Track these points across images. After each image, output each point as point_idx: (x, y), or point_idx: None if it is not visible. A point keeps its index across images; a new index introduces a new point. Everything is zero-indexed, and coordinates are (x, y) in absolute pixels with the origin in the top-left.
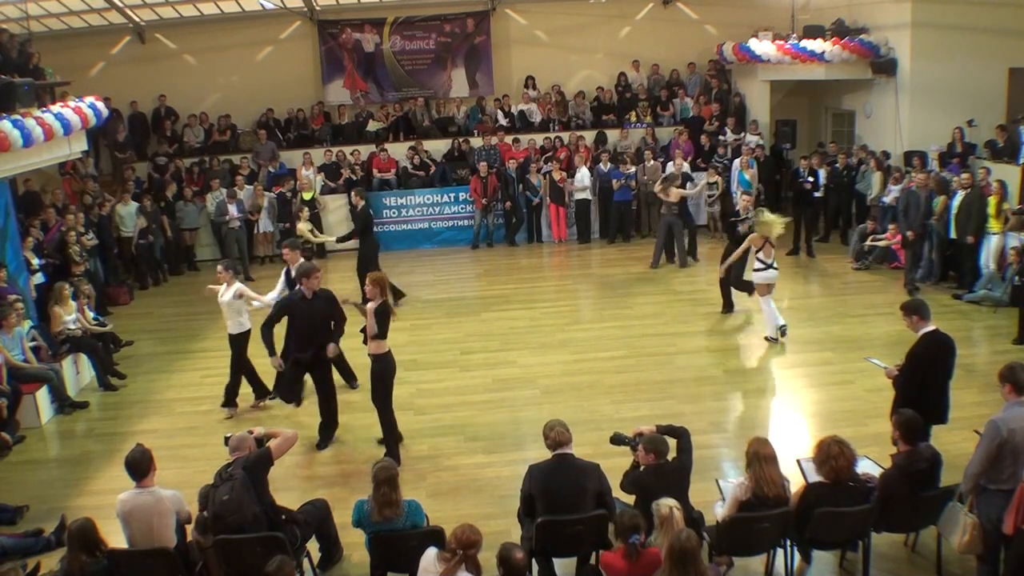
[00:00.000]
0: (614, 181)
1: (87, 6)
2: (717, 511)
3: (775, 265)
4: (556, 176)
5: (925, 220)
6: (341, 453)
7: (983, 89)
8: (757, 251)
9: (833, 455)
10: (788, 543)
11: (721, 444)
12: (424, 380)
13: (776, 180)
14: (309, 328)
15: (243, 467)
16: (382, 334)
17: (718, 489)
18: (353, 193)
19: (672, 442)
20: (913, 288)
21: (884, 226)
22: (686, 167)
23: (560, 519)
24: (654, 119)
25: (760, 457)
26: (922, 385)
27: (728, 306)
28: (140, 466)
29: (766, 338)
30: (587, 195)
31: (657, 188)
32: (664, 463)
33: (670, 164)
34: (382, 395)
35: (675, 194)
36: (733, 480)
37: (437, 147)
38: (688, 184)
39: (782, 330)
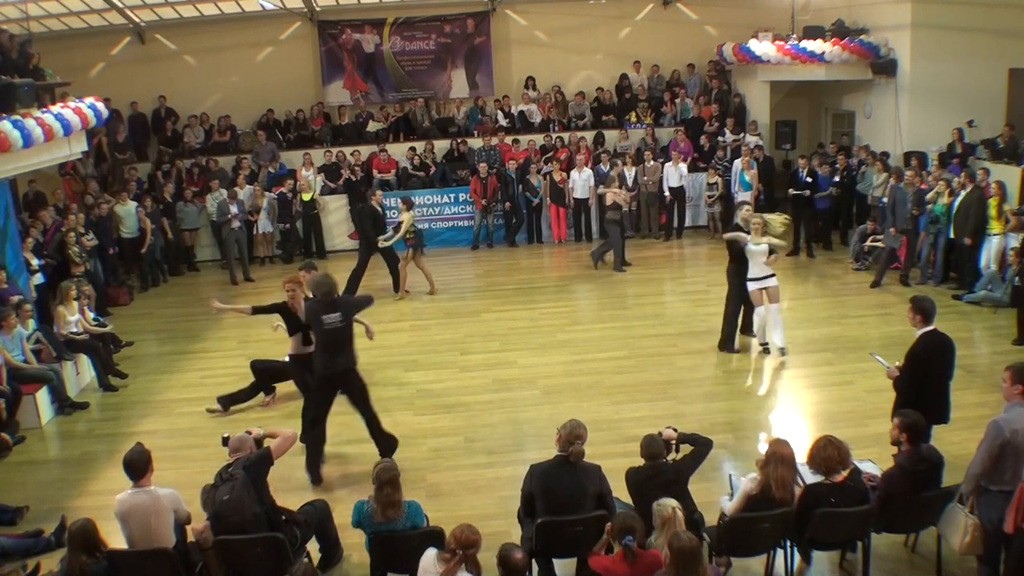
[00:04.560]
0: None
1: (87, 6)
2: (724, 504)
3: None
4: (556, 177)
5: (915, 215)
6: (341, 454)
7: (983, 89)
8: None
9: (820, 446)
10: (788, 543)
11: (721, 445)
12: (424, 380)
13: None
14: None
15: (243, 467)
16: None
17: (729, 484)
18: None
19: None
20: (878, 282)
21: (884, 227)
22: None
23: (560, 520)
24: (654, 120)
25: (777, 458)
26: (923, 385)
27: None
28: (138, 465)
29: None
30: (586, 194)
31: (600, 189)
32: (660, 464)
33: (668, 165)
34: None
35: (609, 196)
36: (745, 476)
37: (437, 148)
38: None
39: (764, 347)
